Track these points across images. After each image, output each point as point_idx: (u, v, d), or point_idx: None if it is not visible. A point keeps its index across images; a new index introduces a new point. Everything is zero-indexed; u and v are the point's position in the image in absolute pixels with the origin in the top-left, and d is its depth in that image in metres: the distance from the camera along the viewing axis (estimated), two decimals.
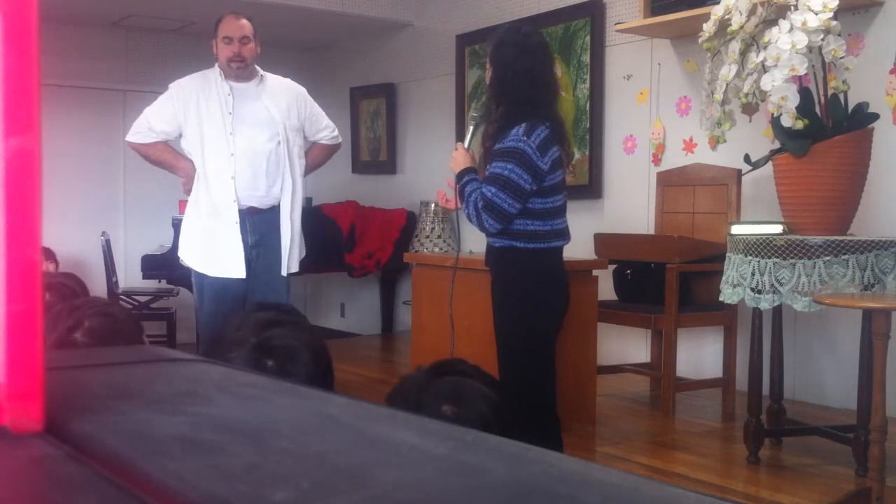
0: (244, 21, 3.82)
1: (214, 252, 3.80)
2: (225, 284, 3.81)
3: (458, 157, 3.24)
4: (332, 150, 4.21)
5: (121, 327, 1.92)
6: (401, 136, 7.21)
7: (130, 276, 6.58)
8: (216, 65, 3.86)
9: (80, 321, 1.85)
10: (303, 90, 4.01)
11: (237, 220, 3.77)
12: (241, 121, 3.79)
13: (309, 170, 4.08)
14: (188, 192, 3.88)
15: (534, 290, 3.15)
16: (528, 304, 3.14)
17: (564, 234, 3.22)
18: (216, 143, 3.77)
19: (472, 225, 3.24)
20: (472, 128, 3.30)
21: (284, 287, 3.91)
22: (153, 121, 3.86)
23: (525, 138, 3.04)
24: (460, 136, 6.39)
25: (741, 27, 3.34)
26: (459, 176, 3.20)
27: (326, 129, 4.10)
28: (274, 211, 3.86)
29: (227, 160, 3.76)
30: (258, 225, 3.83)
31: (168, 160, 3.93)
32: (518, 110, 3.11)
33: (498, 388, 1.42)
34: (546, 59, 3.25)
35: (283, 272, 3.88)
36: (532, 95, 3.13)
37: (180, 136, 3.86)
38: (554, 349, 3.26)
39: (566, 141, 3.25)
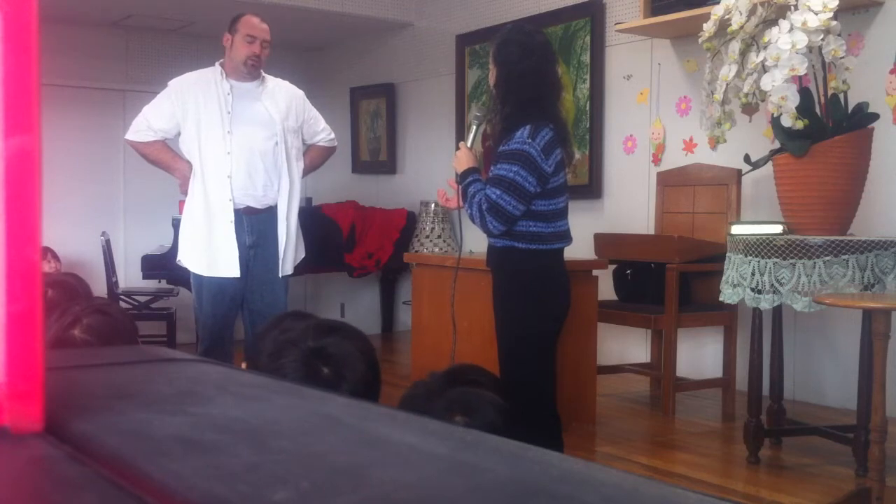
0: (266, 25, 3.85)
1: (210, 252, 3.80)
2: (222, 285, 3.81)
3: (462, 156, 3.24)
4: (328, 152, 4.23)
5: (118, 325, 1.92)
6: (401, 136, 7.21)
7: (130, 276, 6.58)
8: (217, 63, 3.86)
9: (78, 318, 1.86)
10: (301, 93, 4.02)
11: (232, 219, 3.77)
12: (239, 120, 3.79)
13: (306, 171, 4.09)
14: (184, 192, 3.88)
15: (535, 291, 3.15)
16: (530, 304, 3.15)
17: (566, 237, 3.22)
18: (213, 142, 3.77)
19: (474, 225, 3.24)
20: (474, 127, 3.30)
21: (282, 288, 3.91)
22: (152, 119, 3.85)
23: (530, 140, 3.04)
24: (460, 136, 6.40)
25: (741, 27, 3.33)
26: (463, 176, 3.20)
27: (323, 132, 4.12)
28: (271, 211, 3.86)
29: (223, 159, 3.76)
30: (255, 225, 3.83)
31: (165, 160, 3.92)
32: (523, 110, 3.11)
33: (510, 396, 1.42)
34: (550, 57, 3.26)
35: (280, 273, 3.88)
36: (536, 95, 3.13)
37: (179, 134, 3.86)
38: (555, 350, 3.27)
39: (568, 142, 3.26)
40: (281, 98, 3.90)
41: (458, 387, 1.41)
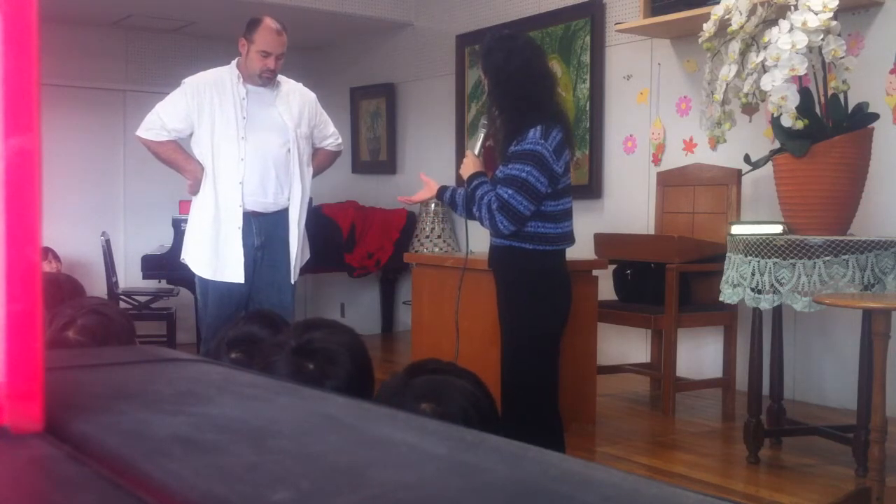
0: (284, 37, 3.81)
1: (217, 256, 3.78)
2: (229, 288, 3.79)
3: (468, 163, 3.26)
4: (335, 156, 4.22)
5: (114, 326, 1.91)
6: (401, 136, 7.21)
7: (130, 276, 6.58)
8: (234, 63, 3.82)
9: (73, 319, 1.85)
10: (313, 97, 4.00)
11: (240, 224, 3.75)
12: (254, 126, 3.77)
13: (313, 175, 4.08)
14: (194, 194, 3.85)
15: (539, 291, 3.15)
16: (534, 305, 3.15)
17: (570, 238, 3.23)
18: (227, 147, 3.74)
19: (479, 226, 3.24)
20: (481, 135, 3.31)
21: (289, 289, 3.90)
22: (166, 118, 3.80)
23: (542, 141, 3.05)
24: (461, 136, 6.41)
25: (741, 27, 3.33)
26: (469, 180, 3.21)
27: (332, 136, 4.11)
28: (280, 213, 3.85)
29: (236, 164, 3.74)
30: (264, 227, 3.82)
31: (178, 161, 3.86)
32: (527, 109, 3.11)
33: (476, 381, 1.40)
34: (537, 52, 3.27)
35: (292, 279, 3.88)
36: (531, 90, 3.13)
37: (191, 134, 3.83)
38: (558, 350, 3.27)
39: (572, 143, 3.28)
40: (294, 103, 3.88)
41: (420, 376, 1.40)
